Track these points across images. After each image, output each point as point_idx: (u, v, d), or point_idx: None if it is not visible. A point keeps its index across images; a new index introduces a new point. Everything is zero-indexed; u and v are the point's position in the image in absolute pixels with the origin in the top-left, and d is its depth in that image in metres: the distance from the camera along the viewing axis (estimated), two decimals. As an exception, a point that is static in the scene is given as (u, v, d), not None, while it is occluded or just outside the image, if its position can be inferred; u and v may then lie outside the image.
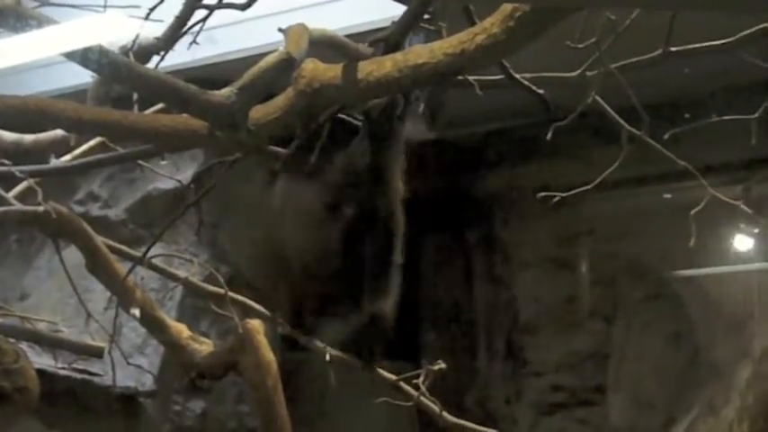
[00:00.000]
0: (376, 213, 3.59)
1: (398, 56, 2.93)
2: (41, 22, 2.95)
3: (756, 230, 7.23)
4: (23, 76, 6.05)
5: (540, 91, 3.34)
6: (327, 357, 3.94)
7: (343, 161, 3.63)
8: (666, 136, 3.47)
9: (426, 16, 3.22)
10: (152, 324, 4.41)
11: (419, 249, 8.47)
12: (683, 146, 3.50)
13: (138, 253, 4.39)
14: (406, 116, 3.55)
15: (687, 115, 5.87)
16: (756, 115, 3.36)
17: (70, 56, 2.90)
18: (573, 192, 3.57)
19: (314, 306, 3.79)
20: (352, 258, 3.61)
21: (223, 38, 5.46)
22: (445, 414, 3.93)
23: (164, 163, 4.35)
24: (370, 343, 3.72)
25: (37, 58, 3.50)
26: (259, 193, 4.45)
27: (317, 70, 2.99)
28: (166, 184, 6.69)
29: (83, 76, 3.50)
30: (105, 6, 3.44)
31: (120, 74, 2.90)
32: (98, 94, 3.82)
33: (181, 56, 3.74)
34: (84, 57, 2.86)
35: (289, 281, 3.80)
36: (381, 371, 4.04)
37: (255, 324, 4.23)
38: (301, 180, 3.63)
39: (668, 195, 7.23)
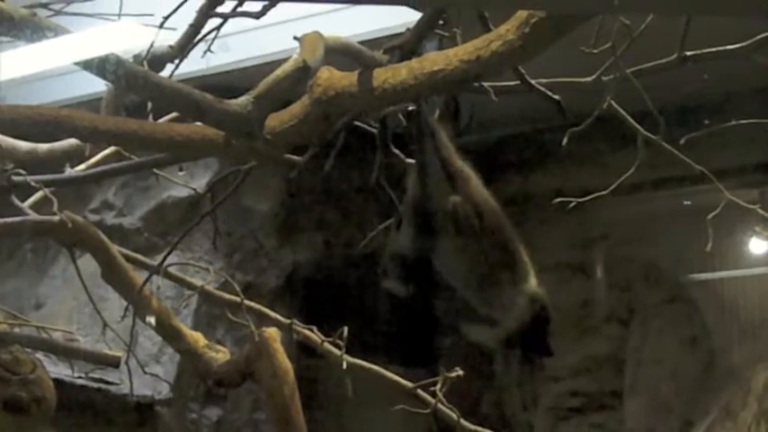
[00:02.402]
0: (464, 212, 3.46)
1: (414, 63, 2.93)
2: (57, 33, 2.95)
3: (773, 234, 7.19)
4: (38, 84, 6.05)
5: (556, 96, 3.33)
6: (344, 365, 3.94)
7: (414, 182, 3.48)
8: (682, 140, 3.46)
9: (441, 22, 3.21)
10: (168, 332, 4.41)
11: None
12: (698, 150, 3.49)
13: (153, 261, 4.39)
14: (434, 115, 3.44)
15: (703, 120, 5.85)
16: (772, 119, 3.36)
17: (86, 66, 2.91)
18: (589, 197, 3.56)
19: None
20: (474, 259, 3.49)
21: (237, 45, 5.46)
22: (463, 421, 3.92)
23: (181, 174, 4.35)
24: (535, 330, 3.54)
25: (52, 66, 3.51)
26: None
27: (332, 78, 2.99)
28: (181, 193, 6.69)
29: (97, 85, 3.50)
30: (119, 15, 3.44)
31: (137, 84, 2.91)
32: (113, 103, 3.82)
33: (195, 63, 3.74)
34: (100, 68, 2.86)
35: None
36: (398, 378, 4.03)
37: (272, 332, 4.23)
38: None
39: (684, 199, 7.20)
